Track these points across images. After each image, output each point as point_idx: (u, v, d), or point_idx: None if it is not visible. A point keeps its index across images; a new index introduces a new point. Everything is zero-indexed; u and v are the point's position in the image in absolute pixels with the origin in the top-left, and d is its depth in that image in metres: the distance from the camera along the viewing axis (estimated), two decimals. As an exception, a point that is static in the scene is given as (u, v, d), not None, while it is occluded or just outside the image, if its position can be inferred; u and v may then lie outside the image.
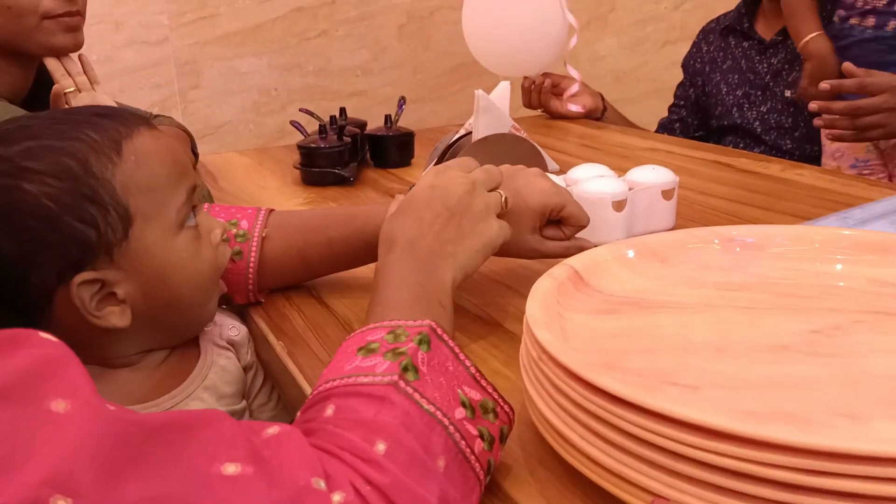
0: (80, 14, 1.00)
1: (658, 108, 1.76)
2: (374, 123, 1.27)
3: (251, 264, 0.68)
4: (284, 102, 2.79)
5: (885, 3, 1.21)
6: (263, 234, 0.69)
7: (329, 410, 0.40)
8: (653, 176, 0.82)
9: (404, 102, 1.23)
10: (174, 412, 0.50)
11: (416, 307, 0.48)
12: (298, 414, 0.43)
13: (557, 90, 1.58)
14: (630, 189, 0.80)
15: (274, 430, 0.37)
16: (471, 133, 1.11)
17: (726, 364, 0.42)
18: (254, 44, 2.69)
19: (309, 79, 2.81)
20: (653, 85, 2.22)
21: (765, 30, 1.52)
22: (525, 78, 1.58)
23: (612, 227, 0.79)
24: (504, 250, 0.60)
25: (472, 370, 0.43)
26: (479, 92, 1.06)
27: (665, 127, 1.73)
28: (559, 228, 0.65)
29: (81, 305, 0.49)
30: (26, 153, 0.49)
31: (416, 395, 0.41)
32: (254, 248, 0.68)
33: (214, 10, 2.61)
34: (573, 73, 1.62)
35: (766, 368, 0.41)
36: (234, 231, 0.68)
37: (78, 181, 0.49)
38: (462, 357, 0.44)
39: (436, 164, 1.10)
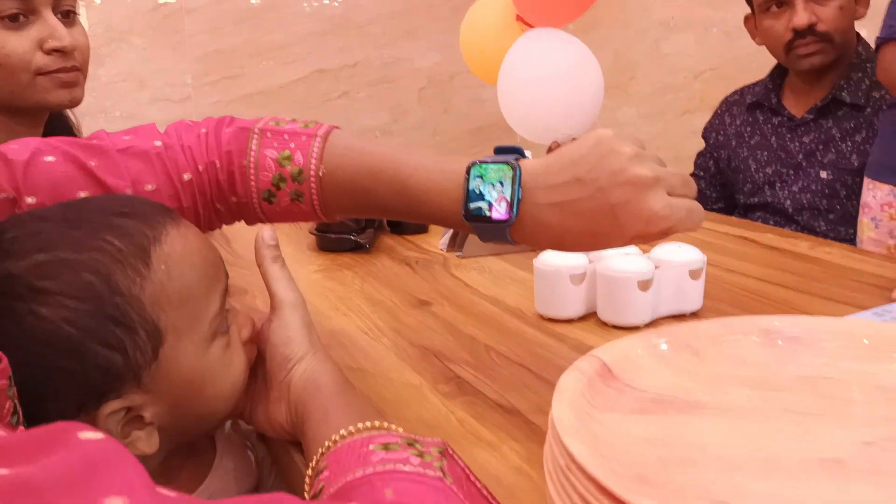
0: (78, 69, 0.97)
1: (680, 177, 1.74)
2: None
3: (315, 204, 0.60)
4: (303, 162, 2.81)
5: None
6: (321, 173, 0.59)
7: (388, 493, 0.37)
8: (679, 254, 0.79)
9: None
10: (242, 498, 0.45)
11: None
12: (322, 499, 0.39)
13: None
14: (656, 268, 0.77)
15: None
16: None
17: (776, 482, 0.38)
18: (276, 104, 2.72)
19: (328, 139, 2.83)
20: (672, 153, 2.20)
21: (794, 106, 1.49)
22: (554, 142, 1.57)
23: (638, 309, 0.75)
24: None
25: (485, 492, 0.41)
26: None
27: (687, 197, 1.70)
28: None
29: (106, 433, 0.44)
30: (39, 270, 0.43)
31: (461, 496, 0.38)
32: (314, 190, 0.59)
33: (238, 71, 2.65)
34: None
35: (822, 487, 0.37)
36: (288, 169, 0.59)
37: (102, 301, 0.43)
38: (473, 478, 0.41)
39: (452, 235, 1.08)
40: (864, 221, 1.30)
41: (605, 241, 0.52)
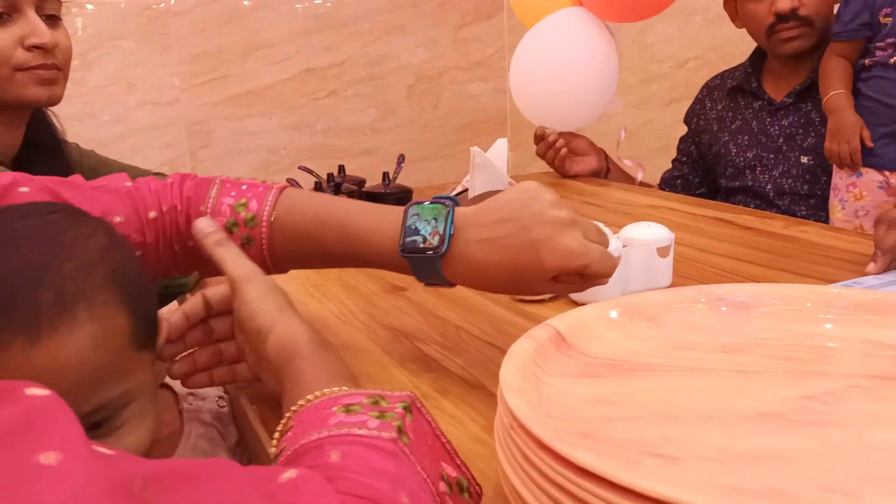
0: (58, 68, 0.98)
1: (664, 165, 1.75)
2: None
3: (264, 250, 0.64)
4: (293, 161, 2.82)
5: None
6: (272, 219, 0.64)
7: (334, 456, 0.38)
8: (648, 233, 0.80)
9: (403, 160, 1.22)
10: (178, 460, 0.45)
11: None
12: (277, 466, 0.40)
13: (569, 148, 1.57)
14: (624, 246, 0.78)
15: (291, 474, 0.35)
16: (466, 190, 1.10)
17: (711, 433, 0.39)
18: (264, 104, 2.73)
19: (318, 138, 2.84)
20: (658, 142, 2.22)
21: (774, 90, 1.50)
22: (539, 128, 1.58)
23: (607, 287, 0.76)
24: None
25: (448, 447, 0.42)
26: (475, 149, 1.05)
27: (667, 182, 1.71)
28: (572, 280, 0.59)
29: None
30: None
31: (413, 459, 0.39)
32: (264, 235, 0.64)
33: (226, 72, 2.66)
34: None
35: (754, 439, 0.38)
36: (242, 214, 0.64)
37: None
38: (438, 433, 0.42)
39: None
40: (833, 203, 1.31)
41: (528, 275, 0.57)
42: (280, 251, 0.64)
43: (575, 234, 0.56)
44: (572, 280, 0.58)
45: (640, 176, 1.64)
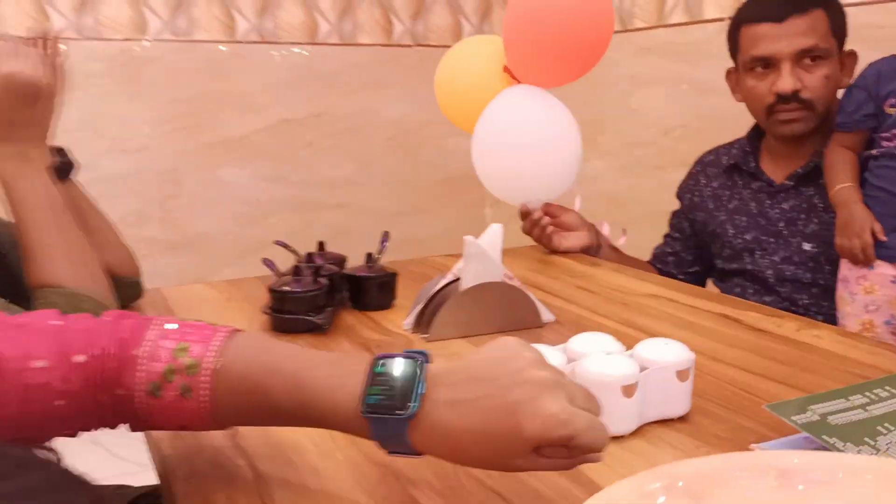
0: None
1: (650, 233, 1.70)
2: (360, 241, 1.18)
3: (202, 401, 0.55)
4: (266, 212, 2.73)
5: None
6: (217, 366, 0.55)
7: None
8: (666, 353, 0.72)
9: (387, 239, 1.14)
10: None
11: None
12: None
13: (557, 223, 1.51)
14: (641, 370, 0.70)
15: None
16: (458, 280, 1.02)
17: None
18: (238, 153, 2.65)
19: (293, 190, 2.75)
20: (643, 208, 2.16)
21: (773, 171, 1.45)
22: (523, 204, 1.51)
23: (622, 416, 0.68)
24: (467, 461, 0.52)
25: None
26: (468, 238, 0.97)
27: (659, 258, 1.66)
28: (556, 453, 0.51)
29: None
30: None
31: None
32: (205, 385, 0.55)
33: (197, 120, 2.57)
34: (578, 204, 1.57)
35: None
36: (182, 360, 0.55)
37: None
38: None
39: (421, 308, 1.01)
40: (843, 296, 1.25)
41: (505, 445, 0.50)
42: (223, 404, 0.55)
43: (558, 398, 0.50)
44: (558, 453, 0.50)
45: (622, 241, 1.58)
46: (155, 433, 0.68)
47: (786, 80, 1.29)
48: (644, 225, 1.72)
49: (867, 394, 0.69)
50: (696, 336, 0.97)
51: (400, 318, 1.05)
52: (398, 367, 0.53)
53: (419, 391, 0.51)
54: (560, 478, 0.61)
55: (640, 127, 2.32)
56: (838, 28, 1.32)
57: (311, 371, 0.55)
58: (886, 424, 0.63)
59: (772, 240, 1.41)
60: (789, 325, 1.01)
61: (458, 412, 0.50)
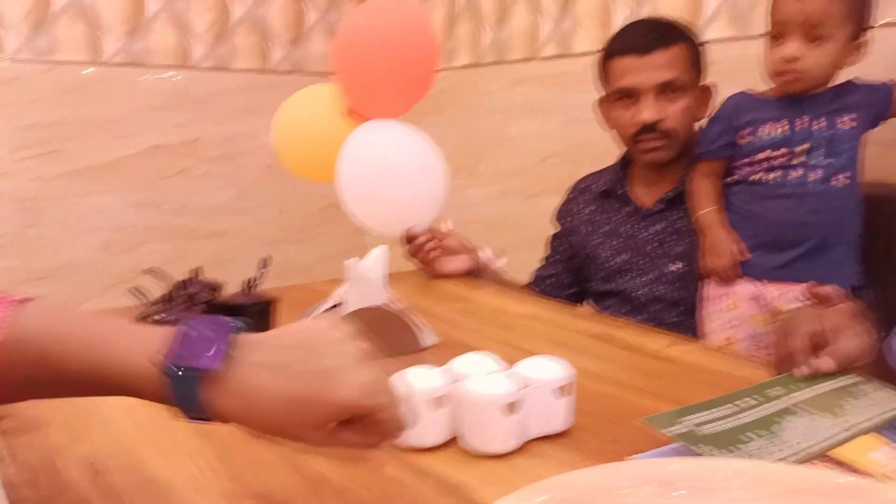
0: None
1: (527, 258, 1.73)
2: (240, 268, 1.13)
3: None
4: (139, 241, 2.60)
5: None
6: (2, 339, 0.50)
7: None
8: (547, 370, 0.73)
9: (267, 265, 1.11)
10: None
11: None
12: None
13: (441, 247, 1.52)
14: (523, 387, 0.70)
15: None
16: (341, 304, 1.00)
17: None
18: (105, 181, 2.51)
19: (167, 217, 2.64)
20: (520, 235, 2.21)
21: (643, 195, 1.52)
22: (406, 231, 1.52)
23: (504, 434, 0.69)
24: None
25: None
26: (350, 262, 0.96)
27: (539, 280, 1.69)
28: (361, 430, 0.52)
29: None
30: None
31: None
32: None
33: (61, 146, 2.43)
34: (444, 226, 1.59)
35: None
36: None
37: None
38: None
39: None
40: (708, 313, 1.32)
41: (313, 412, 0.50)
42: (9, 378, 0.51)
43: (371, 370, 0.52)
44: (361, 430, 0.51)
45: (501, 262, 1.61)
46: (7, 477, 0.62)
47: (647, 111, 1.36)
48: (521, 250, 1.76)
49: (736, 403, 0.72)
50: (574, 354, 0.99)
51: (280, 346, 1.02)
52: (203, 325, 0.51)
53: (223, 347, 0.49)
54: (445, 497, 0.61)
55: (517, 155, 2.38)
56: (697, 62, 1.41)
57: (102, 332, 0.51)
58: (756, 431, 0.67)
59: (643, 261, 1.48)
60: (661, 342, 1.05)
61: (270, 375, 0.50)
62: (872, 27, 1.20)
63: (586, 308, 1.61)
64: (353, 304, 0.97)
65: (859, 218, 1.25)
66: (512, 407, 0.69)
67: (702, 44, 1.43)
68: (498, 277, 1.60)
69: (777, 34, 1.18)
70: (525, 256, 1.73)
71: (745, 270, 1.26)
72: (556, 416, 0.73)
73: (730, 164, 1.31)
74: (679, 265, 1.43)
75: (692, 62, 1.39)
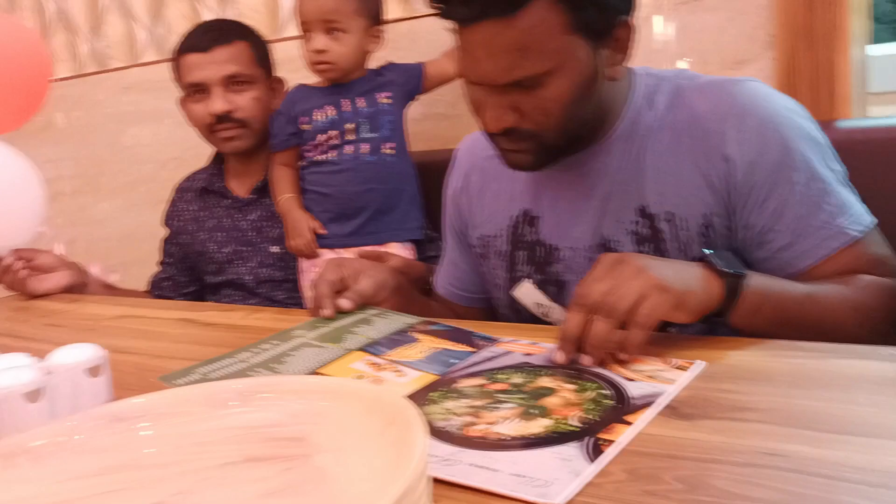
0: None
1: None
2: None
3: None
4: None
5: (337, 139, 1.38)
6: None
7: None
8: (75, 356, 0.78)
9: None
10: None
11: None
12: None
13: (33, 266, 1.46)
14: (48, 374, 0.74)
15: None
16: None
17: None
18: None
19: None
20: (153, 244, 2.19)
21: (238, 187, 1.60)
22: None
23: (30, 421, 0.72)
24: None
25: None
26: None
27: (156, 284, 1.71)
28: None
29: None
30: None
31: None
32: None
33: None
34: (57, 249, 1.54)
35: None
36: None
37: None
38: None
39: None
40: (304, 285, 1.45)
41: None
42: None
43: None
44: None
45: (115, 278, 1.61)
46: None
47: (217, 103, 1.45)
48: (156, 257, 1.76)
49: (253, 350, 0.83)
50: (147, 341, 1.05)
51: None
52: None
53: None
54: None
55: (137, 164, 2.34)
56: (262, 58, 1.52)
57: None
58: (259, 368, 0.78)
59: (246, 249, 1.56)
60: (236, 315, 1.14)
61: None
62: (386, 21, 1.41)
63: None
64: None
65: (413, 181, 1.46)
66: (34, 395, 0.72)
67: (264, 40, 1.54)
68: (109, 290, 1.59)
69: (305, 31, 1.33)
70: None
71: (324, 242, 1.41)
72: (88, 396, 0.77)
73: (301, 150, 1.44)
74: (277, 247, 1.54)
75: (257, 57, 1.50)
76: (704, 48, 1.40)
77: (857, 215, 0.88)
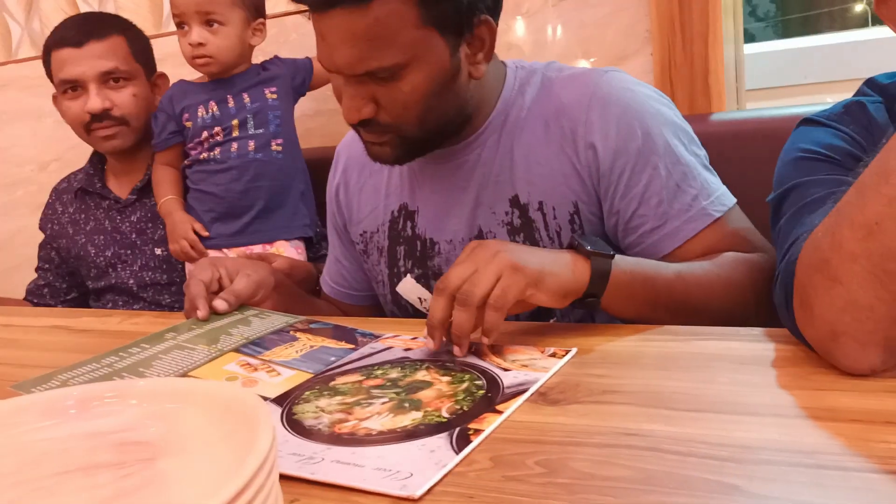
0: None
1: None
2: None
3: None
4: None
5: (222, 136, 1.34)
6: None
7: None
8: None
9: None
10: None
11: None
12: None
13: None
14: None
15: None
16: None
17: None
18: None
19: None
20: (33, 250, 2.09)
21: (118, 188, 1.54)
22: None
23: None
24: None
25: None
26: None
27: (33, 292, 1.62)
28: None
29: None
30: None
31: None
32: None
33: None
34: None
35: None
36: None
37: None
38: None
39: None
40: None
41: None
42: None
43: None
44: None
45: None
46: None
47: (93, 101, 1.38)
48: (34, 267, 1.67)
49: (120, 354, 0.79)
50: (15, 350, 0.99)
51: None
52: None
53: None
54: None
55: (14, 166, 2.22)
56: (140, 52, 1.46)
57: None
58: (124, 374, 0.74)
59: (128, 252, 1.50)
60: (113, 320, 1.09)
61: None
62: (272, 15, 1.38)
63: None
64: None
65: (304, 177, 1.43)
66: None
67: (143, 35, 1.48)
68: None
69: (180, 24, 1.29)
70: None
71: (210, 243, 1.36)
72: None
73: (185, 148, 1.39)
74: (161, 249, 1.48)
75: (135, 52, 1.44)
76: (589, 44, 1.43)
77: (719, 196, 0.91)
